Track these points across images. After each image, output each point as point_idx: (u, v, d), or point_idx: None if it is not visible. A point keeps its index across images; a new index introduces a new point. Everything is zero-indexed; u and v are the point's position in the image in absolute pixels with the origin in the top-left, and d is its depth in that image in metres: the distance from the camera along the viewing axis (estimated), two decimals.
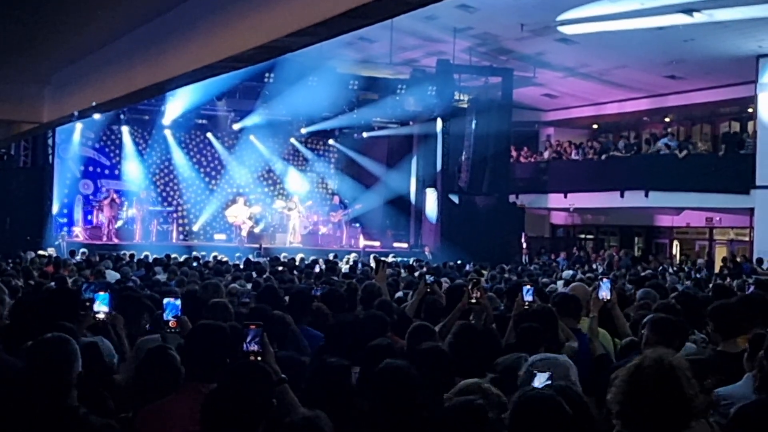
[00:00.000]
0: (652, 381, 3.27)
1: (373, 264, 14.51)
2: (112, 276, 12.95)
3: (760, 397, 4.39)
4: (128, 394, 4.99)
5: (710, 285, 13.23)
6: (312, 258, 19.33)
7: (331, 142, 30.60)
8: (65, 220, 26.49)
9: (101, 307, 5.82)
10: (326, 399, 4.13)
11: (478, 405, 3.66)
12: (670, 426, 3.27)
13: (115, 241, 24.95)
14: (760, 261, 22.47)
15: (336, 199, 29.67)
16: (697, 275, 19.05)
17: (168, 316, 5.48)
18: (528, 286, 6.95)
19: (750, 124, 26.57)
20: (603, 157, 29.26)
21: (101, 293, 5.92)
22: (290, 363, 4.67)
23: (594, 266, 25.40)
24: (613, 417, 3.40)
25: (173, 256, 18.35)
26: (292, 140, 29.75)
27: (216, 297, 6.98)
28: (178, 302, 5.53)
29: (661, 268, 22.54)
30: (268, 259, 18.93)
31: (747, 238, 26.66)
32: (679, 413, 3.28)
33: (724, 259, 24.52)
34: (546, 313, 6.28)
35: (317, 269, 14.93)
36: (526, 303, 6.70)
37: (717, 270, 22.89)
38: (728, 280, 16.31)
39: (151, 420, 4.29)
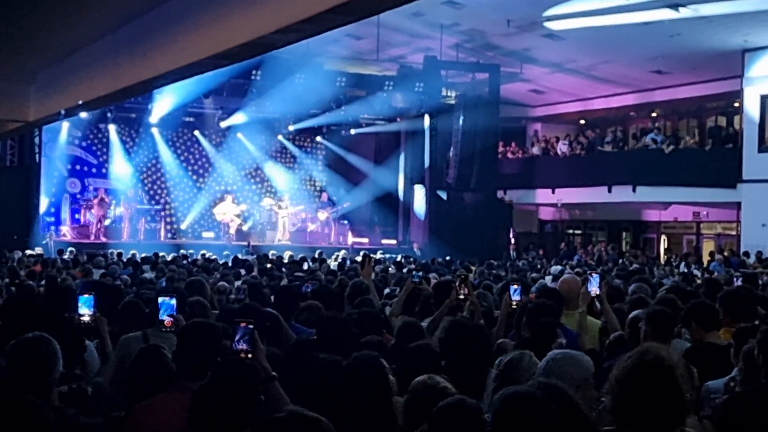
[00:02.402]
0: (653, 378, 3.28)
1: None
2: (98, 274, 12.92)
3: (746, 387, 4.42)
4: (109, 395, 4.95)
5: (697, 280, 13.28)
6: (301, 256, 19.30)
7: (318, 139, 30.46)
8: (53, 219, 26.37)
9: (85, 310, 5.69)
10: (318, 395, 4.06)
11: (471, 404, 3.54)
12: (667, 423, 3.28)
13: (103, 239, 24.84)
14: (746, 255, 22.58)
15: (324, 196, 29.62)
16: (685, 270, 19.10)
17: (163, 315, 5.42)
18: (515, 286, 6.94)
19: (736, 119, 26.66)
20: (591, 151, 29.34)
21: (85, 295, 5.78)
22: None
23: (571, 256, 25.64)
24: (607, 413, 3.40)
25: (161, 254, 18.31)
26: (280, 138, 29.62)
27: (200, 295, 6.86)
28: (173, 301, 5.45)
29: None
30: (256, 256, 18.89)
31: (734, 232, 26.75)
32: (676, 410, 3.29)
33: (711, 254, 24.62)
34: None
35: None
36: (514, 302, 6.71)
37: (705, 264, 22.97)
38: (716, 274, 16.39)
39: (143, 418, 4.27)
